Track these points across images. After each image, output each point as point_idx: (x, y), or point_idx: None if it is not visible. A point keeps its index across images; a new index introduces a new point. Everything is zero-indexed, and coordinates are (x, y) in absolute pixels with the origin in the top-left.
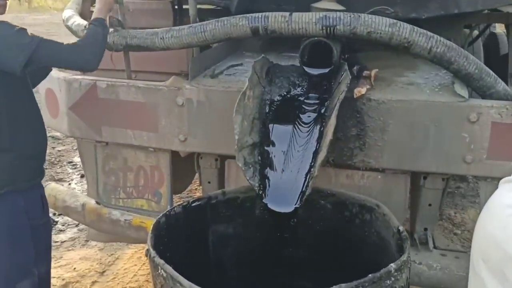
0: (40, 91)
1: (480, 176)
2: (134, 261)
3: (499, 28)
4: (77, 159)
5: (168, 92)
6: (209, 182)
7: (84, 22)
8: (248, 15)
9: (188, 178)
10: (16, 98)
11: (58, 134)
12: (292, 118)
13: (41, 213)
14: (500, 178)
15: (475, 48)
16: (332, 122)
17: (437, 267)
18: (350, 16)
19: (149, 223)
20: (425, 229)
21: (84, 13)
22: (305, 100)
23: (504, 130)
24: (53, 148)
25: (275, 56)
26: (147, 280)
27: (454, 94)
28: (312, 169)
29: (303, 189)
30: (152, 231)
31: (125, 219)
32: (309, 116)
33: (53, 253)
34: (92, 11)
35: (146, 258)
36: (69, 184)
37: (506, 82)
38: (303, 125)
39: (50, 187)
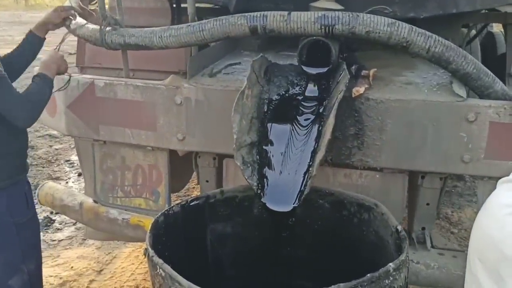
0: None
1: (478, 175)
2: (132, 259)
3: (496, 28)
4: (74, 158)
5: (167, 91)
6: (207, 181)
7: (83, 21)
8: (246, 14)
9: (186, 177)
10: None
11: (55, 132)
12: (290, 117)
13: (25, 210)
14: (498, 178)
15: (473, 47)
16: (330, 122)
17: (434, 266)
18: (348, 16)
19: (147, 222)
20: (423, 228)
21: (82, 11)
22: (304, 99)
23: (502, 130)
24: (50, 146)
25: (274, 55)
26: (144, 279)
27: (452, 93)
28: (310, 169)
29: (302, 188)
30: (150, 231)
31: (122, 218)
32: (307, 116)
33: (50, 251)
34: (91, 10)
35: (144, 257)
36: (67, 182)
37: (504, 82)
38: (301, 124)
39: (48, 186)
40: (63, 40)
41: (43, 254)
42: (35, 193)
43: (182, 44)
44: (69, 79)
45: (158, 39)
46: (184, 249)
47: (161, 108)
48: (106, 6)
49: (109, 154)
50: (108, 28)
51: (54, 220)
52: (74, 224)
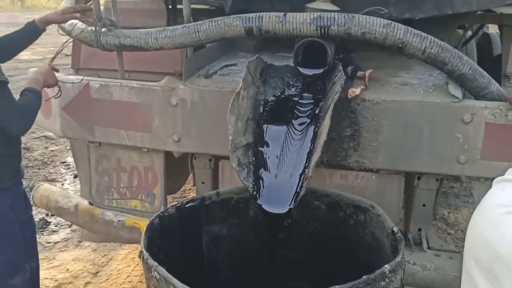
0: None
1: (474, 176)
2: (128, 261)
3: (492, 29)
4: (70, 159)
5: (162, 92)
6: (203, 183)
7: (78, 23)
8: (242, 15)
9: (182, 178)
10: None
11: (51, 134)
12: (286, 119)
13: (25, 209)
14: (494, 179)
15: (469, 48)
16: (326, 123)
17: (431, 267)
18: (344, 17)
19: (143, 223)
20: (419, 230)
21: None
22: (299, 101)
23: (497, 131)
24: (46, 148)
25: (269, 56)
26: (140, 281)
27: (448, 94)
28: (306, 170)
29: (297, 190)
30: (145, 233)
31: (118, 220)
32: (303, 117)
33: (46, 253)
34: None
35: (139, 259)
36: (62, 184)
37: (500, 83)
38: (297, 125)
39: (43, 188)
40: (56, 54)
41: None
42: (30, 194)
43: (177, 45)
44: (59, 90)
45: (153, 40)
46: (179, 251)
47: (156, 110)
48: (101, 7)
49: (104, 155)
50: (103, 29)
51: (49, 222)
52: (70, 226)
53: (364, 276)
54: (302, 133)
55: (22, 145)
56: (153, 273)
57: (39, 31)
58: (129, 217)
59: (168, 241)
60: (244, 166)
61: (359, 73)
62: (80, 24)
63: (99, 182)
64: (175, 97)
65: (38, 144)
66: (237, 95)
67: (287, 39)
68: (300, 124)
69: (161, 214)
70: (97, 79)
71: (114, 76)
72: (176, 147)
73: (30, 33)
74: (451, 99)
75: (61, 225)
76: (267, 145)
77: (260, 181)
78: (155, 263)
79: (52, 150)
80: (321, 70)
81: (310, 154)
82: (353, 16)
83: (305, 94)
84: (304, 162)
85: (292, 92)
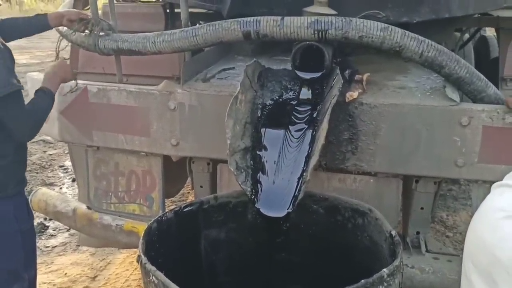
0: (30, 96)
1: (472, 179)
2: (126, 265)
3: (490, 32)
4: (68, 163)
5: (160, 96)
6: (201, 186)
7: None
8: (239, 19)
9: (180, 182)
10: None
11: (49, 138)
12: (284, 122)
13: (27, 217)
14: (492, 182)
15: (466, 51)
16: (324, 127)
17: (429, 270)
18: (341, 21)
19: (141, 228)
20: (418, 233)
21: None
22: (297, 104)
23: (495, 134)
24: (44, 152)
25: (267, 60)
26: (139, 285)
27: (445, 98)
28: (304, 174)
29: (296, 193)
30: (143, 237)
31: (116, 224)
32: (301, 120)
33: (44, 258)
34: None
35: (137, 263)
36: (60, 188)
37: (497, 86)
38: (295, 129)
39: (41, 192)
40: (57, 55)
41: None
42: (28, 199)
43: (175, 49)
44: (76, 84)
45: (151, 44)
46: (178, 255)
47: (154, 114)
48: (99, 11)
49: (102, 160)
50: (101, 34)
51: (48, 226)
52: (68, 230)
53: (362, 280)
54: (300, 137)
55: None
56: (151, 277)
57: (48, 27)
58: (127, 221)
59: (166, 245)
60: (242, 170)
61: (357, 77)
62: None
63: (97, 186)
64: (173, 101)
65: (36, 148)
66: (235, 99)
67: (285, 43)
68: (298, 128)
69: (159, 218)
70: (95, 83)
71: (112, 80)
72: (174, 151)
73: (38, 26)
74: (449, 103)
75: (59, 229)
76: (265, 149)
77: (258, 185)
78: (153, 268)
79: (50, 154)
80: (319, 74)
81: (308, 157)
82: (351, 20)
83: (303, 98)
84: (302, 166)
85: (290, 95)
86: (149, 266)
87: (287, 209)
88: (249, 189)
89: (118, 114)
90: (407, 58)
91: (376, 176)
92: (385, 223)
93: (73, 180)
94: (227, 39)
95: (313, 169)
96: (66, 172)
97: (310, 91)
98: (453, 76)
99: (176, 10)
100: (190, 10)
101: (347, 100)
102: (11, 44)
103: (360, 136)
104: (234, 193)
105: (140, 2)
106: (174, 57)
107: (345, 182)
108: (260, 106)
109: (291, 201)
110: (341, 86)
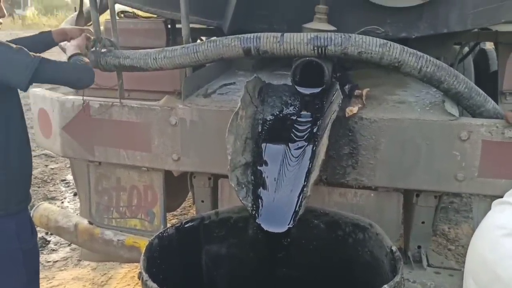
0: (33, 111)
1: (472, 193)
2: (127, 280)
3: (489, 45)
4: (70, 177)
5: (161, 111)
6: (202, 201)
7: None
8: (240, 36)
9: (181, 196)
10: (11, 117)
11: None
12: (284, 138)
13: (30, 236)
14: (492, 196)
15: (466, 65)
16: (324, 142)
17: (431, 285)
18: (341, 37)
19: (142, 243)
20: (419, 247)
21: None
22: (298, 120)
23: (494, 148)
24: (46, 166)
25: (268, 75)
26: None
27: (445, 112)
28: (305, 189)
29: (296, 208)
30: (144, 253)
31: (118, 239)
32: (301, 136)
33: (45, 273)
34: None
35: (139, 280)
36: (62, 202)
37: (496, 100)
38: (295, 144)
39: (43, 207)
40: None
41: None
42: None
43: (176, 66)
44: (84, 102)
45: (152, 61)
46: (179, 271)
47: (156, 129)
48: (101, 28)
49: (104, 175)
50: (103, 50)
51: (49, 241)
52: (69, 245)
53: None
54: (300, 152)
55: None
56: None
57: (52, 44)
58: (128, 236)
59: (167, 261)
60: (243, 186)
61: (357, 92)
62: None
63: (99, 201)
64: (174, 117)
65: (38, 162)
66: (236, 115)
67: (285, 58)
68: (299, 143)
69: (160, 234)
70: (96, 99)
71: (114, 94)
72: (176, 166)
73: (45, 43)
74: (448, 117)
75: (61, 244)
76: (266, 164)
77: (259, 200)
78: (155, 285)
79: (52, 168)
80: (318, 89)
81: (308, 172)
82: (350, 36)
83: (303, 113)
84: (303, 181)
85: (290, 111)
86: (151, 283)
87: (288, 225)
88: (250, 204)
89: (119, 129)
90: (406, 74)
91: (377, 191)
92: (386, 238)
93: (75, 194)
94: (228, 55)
95: (313, 184)
96: (68, 186)
97: (310, 106)
98: (452, 91)
99: (177, 26)
100: (191, 25)
101: (347, 115)
102: None
103: (360, 151)
104: (235, 209)
105: (141, 18)
106: (175, 72)
107: (345, 197)
108: (261, 122)
109: (292, 217)
110: (341, 101)
